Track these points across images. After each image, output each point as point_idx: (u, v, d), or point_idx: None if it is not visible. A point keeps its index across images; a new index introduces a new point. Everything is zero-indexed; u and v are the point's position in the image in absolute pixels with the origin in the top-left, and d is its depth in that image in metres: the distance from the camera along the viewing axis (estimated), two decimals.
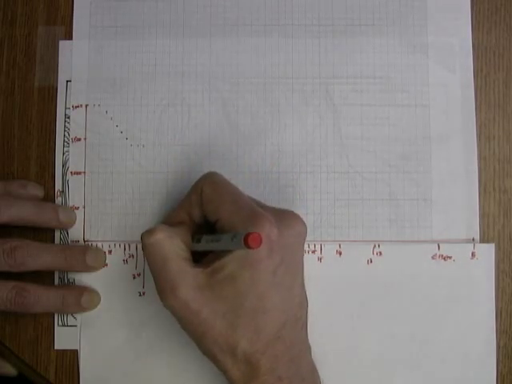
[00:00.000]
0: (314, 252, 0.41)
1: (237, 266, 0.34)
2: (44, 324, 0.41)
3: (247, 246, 0.30)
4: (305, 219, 0.41)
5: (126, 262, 0.41)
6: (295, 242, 0.36)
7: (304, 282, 0.37)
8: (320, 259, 0.41)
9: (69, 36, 0.43)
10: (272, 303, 0.34)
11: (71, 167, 0.42)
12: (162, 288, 0.35)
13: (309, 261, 0.41)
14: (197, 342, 0.35)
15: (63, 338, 0.41)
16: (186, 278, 0.34)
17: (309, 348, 0.37)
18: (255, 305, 0.34)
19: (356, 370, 0.40)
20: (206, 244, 0.35)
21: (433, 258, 0.41)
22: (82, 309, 0.40)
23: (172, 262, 0.34)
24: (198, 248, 0.36)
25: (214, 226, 0.36)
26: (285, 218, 0.36)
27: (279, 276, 0.34)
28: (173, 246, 0.35)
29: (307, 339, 0.37)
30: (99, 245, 0.41)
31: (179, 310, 0.34)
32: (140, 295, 0.41)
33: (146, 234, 0.35)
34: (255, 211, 0.34)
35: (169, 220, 0.39)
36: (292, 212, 0.37)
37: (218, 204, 0.35)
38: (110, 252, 0.41)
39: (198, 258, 0.37)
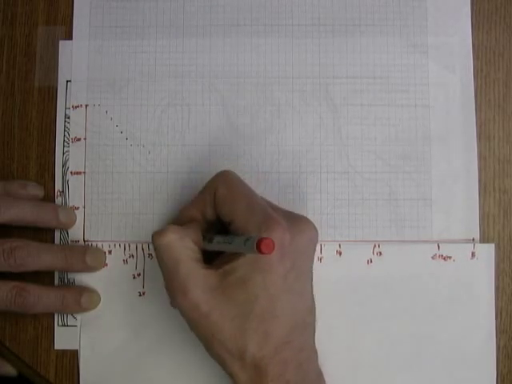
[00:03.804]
0: None
1: (248, 269, 0.33)
2: (44, 324, 0.41)
3: (259, 251, 0.30)
4: None
5: (126, 262, 0.41)
6: (306, 247, 0.36)
7: (313, 288, 0.37)
8: (320, 259, 0.41)
9: (69, 36, 0.43)
10: (282, 308, 0.34)
11: (71, 167, 0.42)
12: (173, 289, 0.35)
13: None
14: (205, 345, 0.35)
15: (63, 338, 0.41)
16: (197, 280, 0.34)
17: (316, 353, 0.37)
18: (265, 309, 0.34)
19: (356, 369, 0.40)
20: (217, 244, 0.35)
21: (433, 258, 0.41)
22: (82, 309, 0.40)
23: (183, 264, 0.34)
24: (210, 248, 0.36)
25: (227, 227, 0.36)
26: (297, 222, 0.36)
27: (290, 281, 0.34)
28: (183, 248, 0.35)
29: (314, 345, 0.37)
30: (99, 245, 0.41)
31: (189, 312, 0.34)
32: (140, 295, 0.41)
33: (157, 234, 0.35)
34: (269, 215, 0.34)
35: (181, 217, 0.38)
36: (305, 217, 0.37)
37: (232, 206, 0.35)
38: (109, 252, 0.41)
39: (210, 256, 0.36)
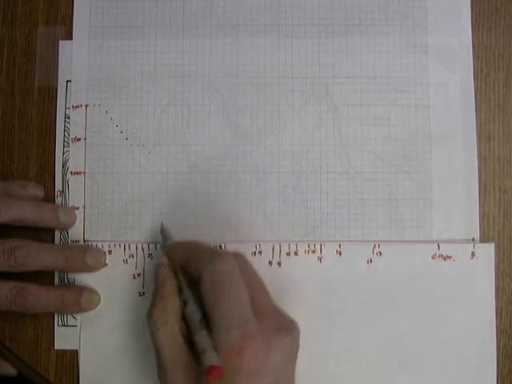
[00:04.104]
0: (313, 252, 0.41)
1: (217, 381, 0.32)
2: (44, 324, 0.41)
3: (206, 375, 0.31)
4: (305, 219, 0.41)
5: (126, 262, 0.41)
6: (283, 362, 0.34)
7: None
8: (320, 259, 0.41)
9: (69, 36, 0.43)
10: None
11: (71, 167, 0.42)
12: (157, 366, 0.35)
13: (309, 261, 0.41)
14: None
15: (63, 338, 0.41)
16: (178, 370, 0.34)
17: None
18: None
19: (356, 370, 0.40)
20: (187, 314, 0.35)
21: (433, 258, 0.41)
22: (82, 309, 0.40)
23: (165, 352, 0.34)
24: (184, 311, 0.36)
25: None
26: (278, 335, 0.34)
27: None
28: (167, 335, 0.35)
29: None
30: (99, 245, 0.41)
31: None
32: (140, 295, 0.41)
33: (147, 318, 0.35)
34: (245, 332, 0.32)
35: (173, 252, 0.38)
36: (286, 328, 0.34)
37: (213, 305, 0.34)
38: (109, 252, 0.41)
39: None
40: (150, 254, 0.41)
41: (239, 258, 0.36)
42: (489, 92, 0.42)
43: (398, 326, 0.40)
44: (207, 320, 0.34)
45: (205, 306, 0.34)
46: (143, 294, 0.41)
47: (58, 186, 0.42)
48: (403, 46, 0.43)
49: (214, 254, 0.35)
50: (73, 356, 0.41)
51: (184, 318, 0.36)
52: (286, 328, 0.34)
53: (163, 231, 0.40)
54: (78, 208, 0.42)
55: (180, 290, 0.36)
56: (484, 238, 0.41)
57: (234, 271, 0.34)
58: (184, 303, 0.36)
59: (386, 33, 0.43)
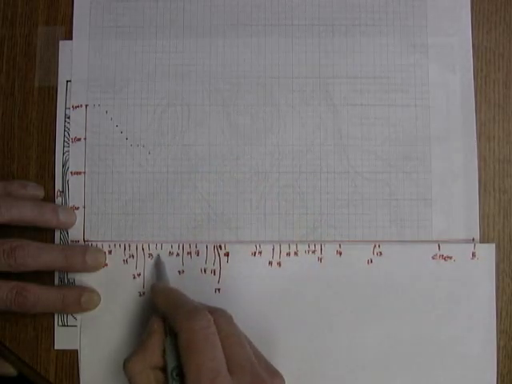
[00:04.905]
0: (314, 252, 0.41)
1: None
2: (44, 324, 0.41)
3: None
4: (305, 219, 0.41)
5: (126, 262, 0.41)
6: None
7: None
8: (320, 259, 0.41)
9: (69, 36, 0.43)
10: None
11: (71, 167, 0.42)
12: None
13: (309, 261, 0.41)
14: None
15: (63, 338, 0.41)
16: None
17: None
18: None
19: (356, 370, 0.40)
20: (166, 358, 0.35)
21: (433, 258, 0.41)
22: (82, 309, 0.40)
23: None
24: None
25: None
26: None
27: None
28: (146, 380, 0.35)
29: None
30: (99, 245, 0.41)
31: None
32: (140, 295, 0.41)
33: (124, 363, 0.35)
34: None
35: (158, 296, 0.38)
36: (263, 382, 0.34)
37: (187, 360, 0.34)
38: (110, 252, 0.41)
39: None
40: (150, 254, 0.41)
41: (217, 313, 0.36)
42: (489, 92, 0.42)
43: (398, 325, 0.40)
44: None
45: (181, 359, 0.34)
46: (143, 293, 0.41)
47: (58, 186, 0.42)
48: (403, 45, 0.43)
49: (191, 312, 0.35)
50: (73, 356, 0.41)
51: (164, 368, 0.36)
52: (261, 382, 0.34)
53: (158, 265, 0.41)
54: (78, 208, 0.42)
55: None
56: (484, 238, 0.41)
57: (209, 330, 0.34)
58: (163, 345, 0.36)
59: (386, 33, 0.43)
